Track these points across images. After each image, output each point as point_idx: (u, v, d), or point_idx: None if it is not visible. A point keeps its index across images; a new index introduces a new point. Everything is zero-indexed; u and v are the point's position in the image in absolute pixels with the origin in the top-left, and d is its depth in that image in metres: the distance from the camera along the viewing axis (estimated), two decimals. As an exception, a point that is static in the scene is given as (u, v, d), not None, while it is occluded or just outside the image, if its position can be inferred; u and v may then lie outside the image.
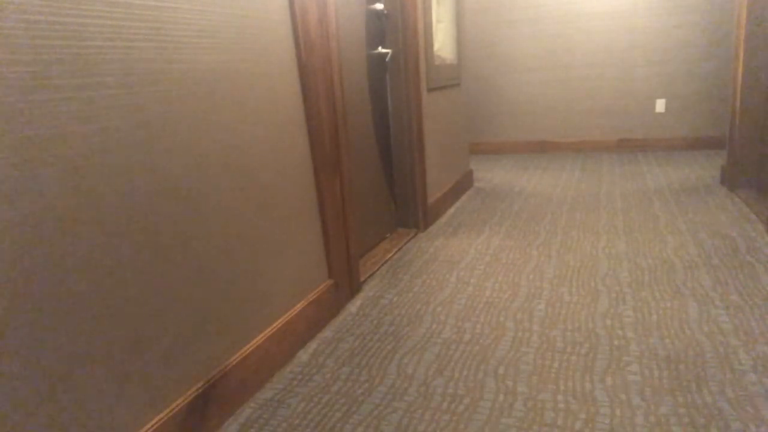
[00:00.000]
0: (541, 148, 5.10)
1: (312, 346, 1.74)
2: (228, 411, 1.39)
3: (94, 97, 1.02)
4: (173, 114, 1.21)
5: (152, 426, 1.15)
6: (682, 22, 4.43)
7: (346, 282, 2.04)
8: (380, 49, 2.60)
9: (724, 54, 4.36)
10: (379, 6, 2.55)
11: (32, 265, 0.91)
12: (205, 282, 1.31)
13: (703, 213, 2.79)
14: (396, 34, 2.64)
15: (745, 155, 3.09)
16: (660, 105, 4.66)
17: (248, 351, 1.46)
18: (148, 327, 1.15)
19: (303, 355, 1.68)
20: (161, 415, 1.18)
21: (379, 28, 2.61)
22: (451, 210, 3.29)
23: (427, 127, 2.97)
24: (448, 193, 3.30)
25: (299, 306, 1.72)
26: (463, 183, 3.66)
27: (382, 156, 2.72)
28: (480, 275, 2.22)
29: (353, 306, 2.02)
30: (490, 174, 4.30)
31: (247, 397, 1.46)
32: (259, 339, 1.52)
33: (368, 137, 2.58)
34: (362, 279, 2.22)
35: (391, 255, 2.51)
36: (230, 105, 1.39)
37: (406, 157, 2.80)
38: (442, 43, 3.16)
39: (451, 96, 3.40)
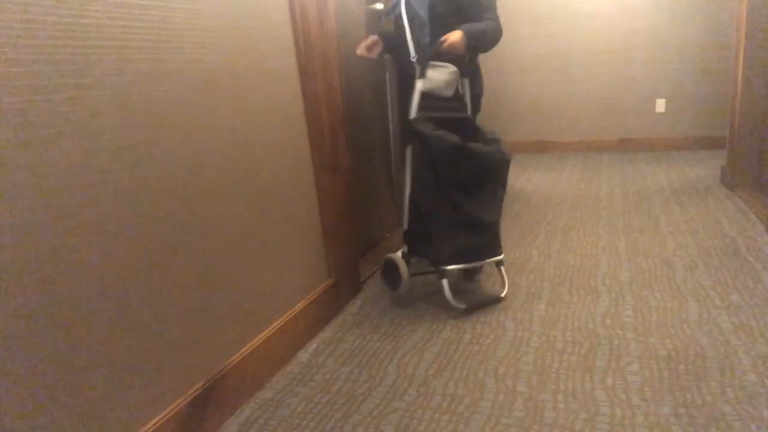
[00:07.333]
0: (541, 148, 5.10)
1: (312, 346, 1.74)
2: (228, 411, 1.39)
3: (94, 97, 1.02)
4: (173, 114, 1.21)
5: (152, 426, 1.15)
6: (681, 22, 4.42)
7: (346, 282, 2.04)
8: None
9: (724, 54, 4.36)
10: (379, 6, 2.55)
11: (32, 265, 0.91)
12: (204, 282, 1.31)
13: (703, 213, 2.79)
14: (396, 34, 2.64)
15: (745, 155, 3.09)
16: (660, 105, 4.66)
17: (248, 351, 1.46)
18: (147, 327, 1.15)
19: (303, 355, 1.68)
20: (161, 415, 1.18)
21: (379, 27, 2.60)
22: (451, 210, 3.28)
23: (427, 127, 2.96)
24: (448, 193, 3.29)
25: (299, 306, 1.72)
26: (463, 183, 3.66)
27: (382, 156, 2.72)
28: (479, 275, 2.22)
29: (353, 306, 2.02)
30: (490, 174, 4.29)
31: (247, 397, 1.46)
32: (259, 339, 1.52)
33: (368, 137, 2.58)
34: (362, 279, 2.22)
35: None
36: (230, 105, 1.39)
37: (406, 157, 2.79)
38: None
39: (451, 96, 3.39)
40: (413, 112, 1.93)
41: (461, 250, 1.88)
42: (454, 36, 1.98)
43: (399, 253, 2.01)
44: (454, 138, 1.79)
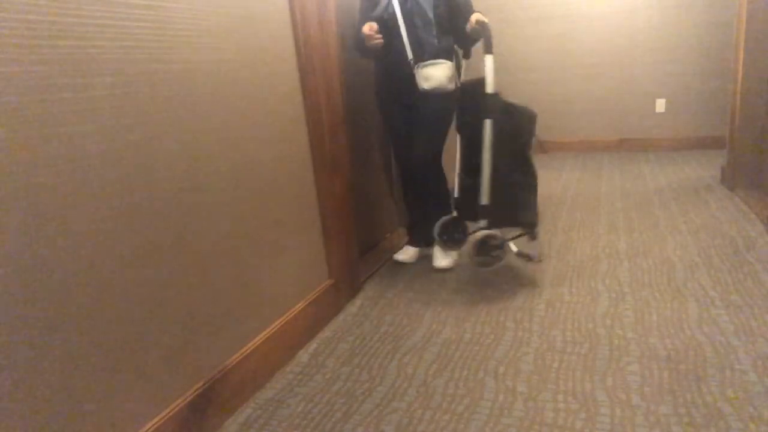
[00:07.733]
0: (541, 148, 5.10)
1: (312, 346, 1.74)
2: (228, 411, 1.39)
3: (94, 97, 1.02)
4: (173, 114, 1.21)
5: (153, 426, 1.15)
6: (682, 21, 4.42)
7: (346, 282, 2.03)
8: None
9: (724, 54, 4.36)
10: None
11: (32, 266, 0.91)
12: (205, 282, 1.31)
13: (703, 213, 2.79)
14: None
15: (745, 155, 3.08)
16: (660, 105, 4.66)
17: (248, 351, 1.46)
18: (148, 327, 1.15)
19: (303, 355, 1.68)
20: (161, 415, 1.18)
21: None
22: (451, 210, 3.28)
23: (427, 127, 2.96)
24: (448, 193, 3.29)
25: (299, 306, 1.72)
26: (463, 183, 3.66)
27: (382, 156, 2.72)
28: (480, 275, 2.22)
29: (353, 306, 2.02)
30: (490, 174, 4.29)
31: (247, 397, 1.46)
32: (259, 339, 1.52)
33: (368, 137, 2.58)
34: (362, 279, 2.22)
35: (391, 255, 2.50)
36: (230, 105, 1.39)
37: (406, 157, 2.79)
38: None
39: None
40: (491, 86, 2.00)
41: (538, 211, 2.05)
42: (484, 18, 2.04)
43: (485, 231, 1.97)
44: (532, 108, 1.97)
